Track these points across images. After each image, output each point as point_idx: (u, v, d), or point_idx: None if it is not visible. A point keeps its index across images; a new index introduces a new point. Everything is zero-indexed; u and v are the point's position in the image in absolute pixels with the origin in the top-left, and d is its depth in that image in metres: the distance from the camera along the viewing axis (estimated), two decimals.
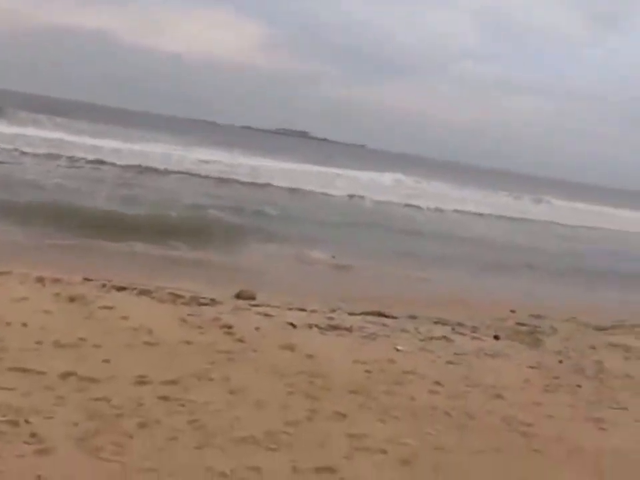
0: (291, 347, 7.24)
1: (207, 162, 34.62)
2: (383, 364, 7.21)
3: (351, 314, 9.78)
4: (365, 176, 42.02)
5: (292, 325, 8.30)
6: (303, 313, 9.23)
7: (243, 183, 29.12)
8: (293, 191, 28.98)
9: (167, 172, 28.50)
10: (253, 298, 10.13)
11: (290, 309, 9.48)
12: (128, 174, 26.10)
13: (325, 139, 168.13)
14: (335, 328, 8.50)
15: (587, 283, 17.41)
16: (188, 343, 6.86)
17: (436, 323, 9.82)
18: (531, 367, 7.94)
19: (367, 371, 6.85)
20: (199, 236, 15.58)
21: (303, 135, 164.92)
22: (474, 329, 9.58)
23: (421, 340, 8.51)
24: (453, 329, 9.41)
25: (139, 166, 28.37)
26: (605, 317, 12.08)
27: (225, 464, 4.47)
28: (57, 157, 27.61)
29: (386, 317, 9.86)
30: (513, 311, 11.90)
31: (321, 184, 31.74)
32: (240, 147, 50.80)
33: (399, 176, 45.22)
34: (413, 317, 10.03)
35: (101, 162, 27.91)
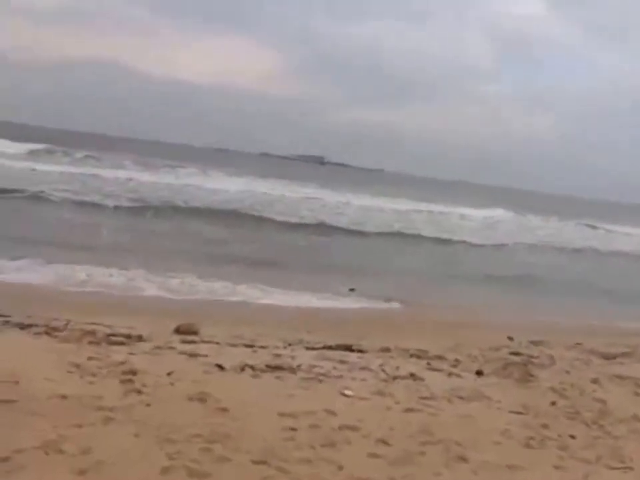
0: (202, 398, 5.72)
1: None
2: (319, 416, 5.68)
3: (309, 348, 8.28)
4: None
5: (220, 366, 6.78)
6: (246, 350, 7.75)
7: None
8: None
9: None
10: (195, 332, 8.68)
11: (233, 345, 8.02)
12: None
13: (342, 164, 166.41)
14: (276, 368, 6.97)
15: None
16: (63, 397, 5.36)
17: (411, 356, 8.28)
18: (515, 412, 6.34)
19: (292, 429, 5.31)
20: None
21: (320, 160, 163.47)
22: (455, 363, 8.01)
23: (382, 380, 6.95)
24: (429, 364, 7.85)
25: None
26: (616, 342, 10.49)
27: None
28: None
29: (352, 351, 8.35)
30: (510, 338, 10.33)
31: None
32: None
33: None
34: (385, 350, 8.49)
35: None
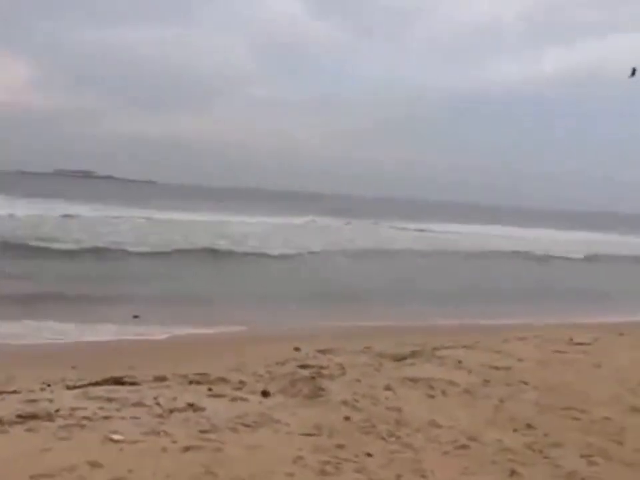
0: None
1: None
2: (82, 472, 4.72)
3: (71, 387, 7.19)
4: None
5: None
6: None
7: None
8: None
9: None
10: None
11: None
12: None
13: (110, 177, 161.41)
14: (30, 417, 5.83)
15: None
16: None
17: (190, 382, 7.44)
18: (307, 435, 5.73)
19: None
20: None
21: (87, 174, 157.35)
22: (239, 385, 7.27)
23: (157, 416, 6.06)
24: (210, 390, 7.05)
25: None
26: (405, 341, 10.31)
27: None
28: None
29: (123, 384, 7.36)
30: (297, 349, 9.81)
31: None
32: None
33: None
34: (160, 379, 7.59)
35: None
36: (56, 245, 23.48)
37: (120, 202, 49.04)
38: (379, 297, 16.98)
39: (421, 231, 44.15)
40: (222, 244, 26.89)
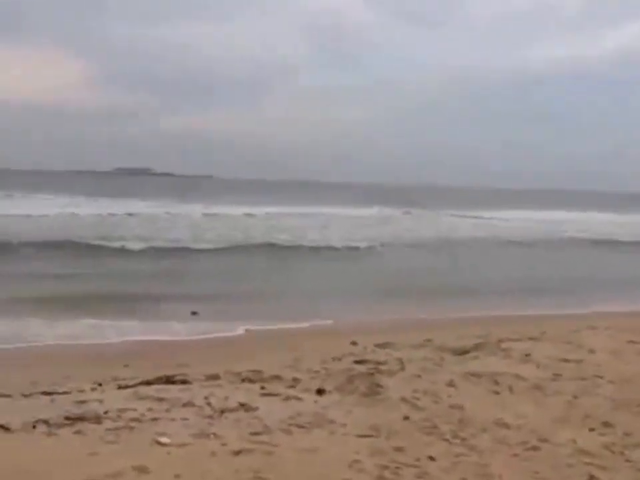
0: None
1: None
2: (127, 478, 4.48)
3: (122, 387, 6.98)
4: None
5: (3, 427, 5.39)
6: (43, 400, 6.36)
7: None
8: None
9: None
10: None
11: (26, 396, 6.61)
12: None
13: (169, 174, 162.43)
14: (78, 420, 5.63)
15: None
16: None
17: (243, 380, 7.16)
18: (364, 436, 5.38)
19: None
20: None
21: (146, 171, 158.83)
22: (293, 383, 6.96)
23: (207, 417, 5.79)
24: (263, 388, 6.75)
25: None
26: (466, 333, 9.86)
27: None
28: None
29: (174, 383, 7.13)
30: (354, 343, 9.46)
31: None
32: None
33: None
34: (213, 378, 7.32)
35: None
36: (116, 244, 23.43)
37: (179, 198, 49.28)
38: (439, 288, 16.46)
39: (480, 218, 43.06)
40: (282, 238, 26.35)
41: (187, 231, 27.79)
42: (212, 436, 5.31)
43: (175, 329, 11.40)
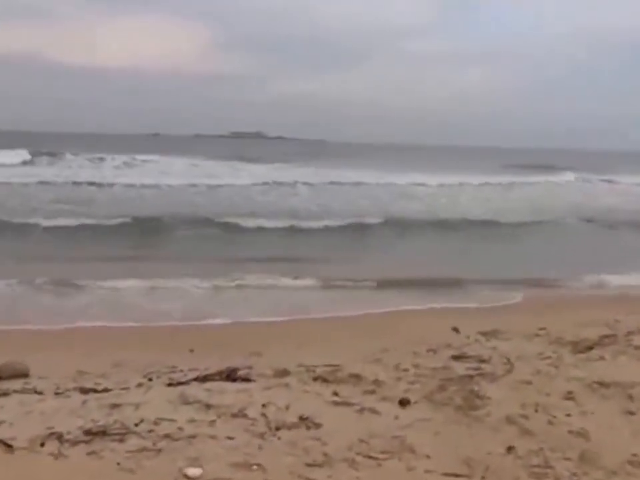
0: None
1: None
2: None
3: (171, 384, 5.95)
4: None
5: (5, 443, 4.43)
6: (76, 400, 5.41)
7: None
8: None
9: None
10: (24, 375, 6.42)
11: (60, 393, 5.69)
12: None
13: (280, 137, 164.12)
14: (99, 434, 4.61)
15: None
16: None
17: (315, 379, 5.98)
18: (451, 475, 4.10)
19: None
20: None
21: (258, 135, 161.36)
22: (373, 386, 5.72)
23: (258, 435, 4.64)
24: (335, 394, 5.53)
25: None
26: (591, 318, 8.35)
27: None
28: None
29: (234, 380, 6.05)
30: (455, 329, 8.14)
31: None
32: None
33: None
34: (281, 374, 6.19)
35: None
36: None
37: (299, 163, 47.58)
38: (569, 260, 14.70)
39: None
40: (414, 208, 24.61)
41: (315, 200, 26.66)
42: (256, 467, 4.17)
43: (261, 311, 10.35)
